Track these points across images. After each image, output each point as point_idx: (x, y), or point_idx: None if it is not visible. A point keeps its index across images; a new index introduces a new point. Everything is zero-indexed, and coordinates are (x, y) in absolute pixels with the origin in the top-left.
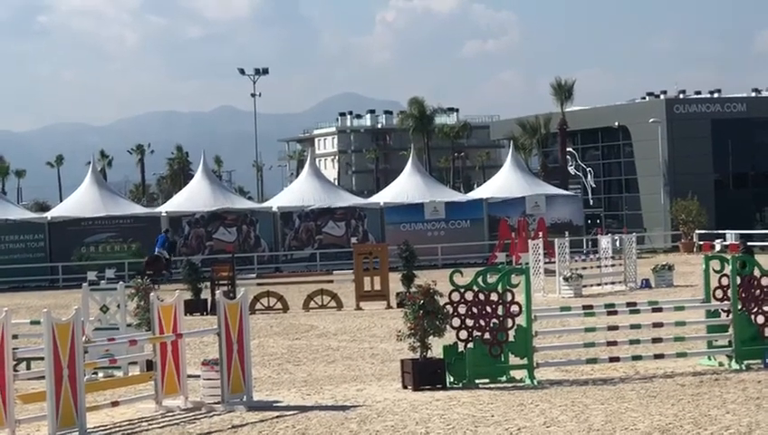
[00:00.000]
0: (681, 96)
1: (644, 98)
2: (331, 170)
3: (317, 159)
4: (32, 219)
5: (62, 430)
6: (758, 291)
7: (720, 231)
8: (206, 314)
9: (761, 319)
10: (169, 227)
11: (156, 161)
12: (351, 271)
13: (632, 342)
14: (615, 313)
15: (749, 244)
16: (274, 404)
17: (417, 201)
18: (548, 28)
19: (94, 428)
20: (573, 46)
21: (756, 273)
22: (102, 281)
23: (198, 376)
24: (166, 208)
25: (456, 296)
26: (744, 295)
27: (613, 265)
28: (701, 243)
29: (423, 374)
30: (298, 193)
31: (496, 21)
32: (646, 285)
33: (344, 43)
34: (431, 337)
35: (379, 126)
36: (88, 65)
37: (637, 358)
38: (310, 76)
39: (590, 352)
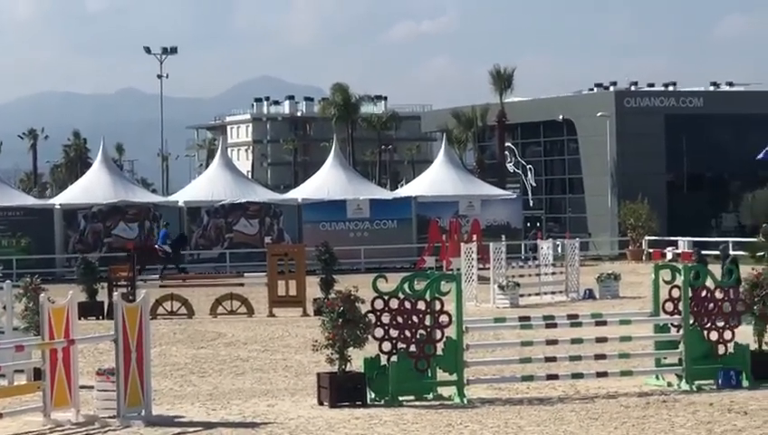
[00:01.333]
0: (632, 88)
1: (592, 89)
2: (244, 162)
3: (229, 149)
4: None
5: None
6: (712, 304)
7: (672, 238)
8: (103, 319)
9: (714, 335)
10: (168, 220)
11: (50, 147)
12: (264, 274)
13: (573, 358)
14: (554, 326)
15: (703, 253)
16: (176, 419)
17: (339, 198)
18: (488, 9)
19: None
20: (515, 30)
21: (710, 284)
22: None
23: (92, 387)
24: (60, 200)
25: (379, 304)
26: (696, 309)
27: (554, 274)
28: (651, 250)
29: (341, 390)
30: (207, 186)
31: (431, 1)
32: (589, 295)
33: (262, 21)
34: (351, 349)
35: (299, 114)
36: None
37: (577, 376)
38: (223, 57)
39: (526, 369)
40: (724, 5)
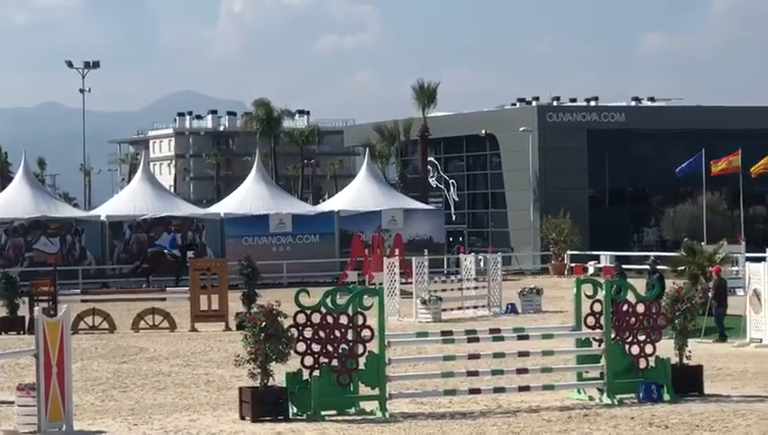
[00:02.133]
0: (555, 103)
1: (514, 104)
2: (166, 176)
3: (151, 164)
4: None
5: None
6: (633, 319)
7: (594, 252)
8: (24, 334)
9: (635, 349)
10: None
11: None
12: (187, 288)
13: (495, 372)
14: (477, 340)
15: (623, 267)
16: None
17: (262, 212)
18: (411, 24)
19: None
20: (438, 45)
21: (631, 299)
22: None
23: (12, 402)
24: None
25: (301, 318)
26: (617, 323)
27: (476, 288)
28: (573, 265)
29: (263, 404)
30: (129, 201)
31: (354, 15)
32: (511, 309)
33: (185, 35)
34: (273, 363)
35: (222, 128)
36: None
37: (499, 390)
38: (146, 71)
39: (448, 383)
40: (646, 22)
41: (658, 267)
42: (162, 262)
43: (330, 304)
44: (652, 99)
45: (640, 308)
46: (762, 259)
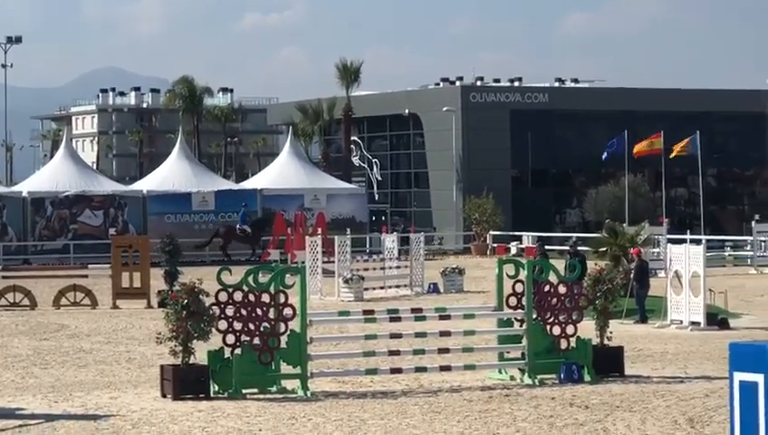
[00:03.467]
0: (479, 83)
1: (438, 84)
2: (89, 153)
3: (74, 140)
4: None
5: None
6: (555, 299)
7: (516, 233)
8: None
9: (557, 330)
10: (246, 202)
11: None
12: (109, 265)
13: (416, 352)
14: (399, 319)
15: (546, 247)
16: (17, 412)
17: (185, 190)
18: (336, 2)
19: None
20: (363, 24)
21: (553, 279)
22: None
23: None
24: None
25: (223, 296)
26: (539, 304)
27: (398, 268)
28: (495, 245)
29: (185, 382)
30: (52, 177)
31: None
32: (434, 289)
33: (108, 10)
34: (195, 341)
35: (145, 105)
36: None
37: (421, 370)
38: (69, 47)
39: (369, 362)
40: (570, 3)
41: (580, 249)
42: (233, 237)
43: (252, 283)
44: (575, 80)
45: (562, 289)
46: (683, 241)
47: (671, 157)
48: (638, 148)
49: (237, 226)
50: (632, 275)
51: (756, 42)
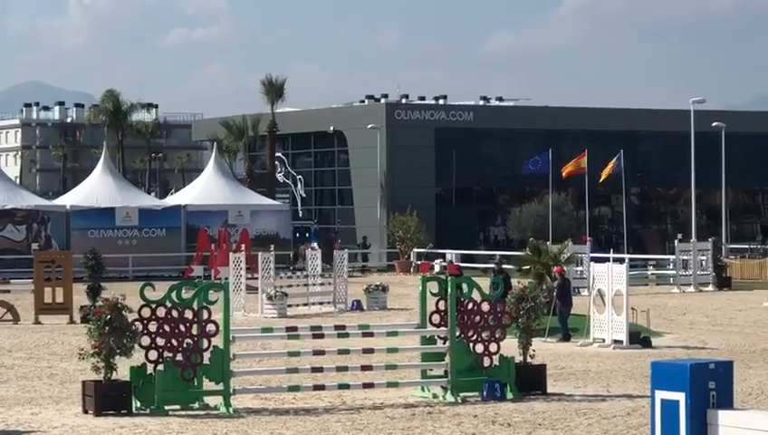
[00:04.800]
0: (404, 101)
1: (363, 101)
2: (12, 167)
3: None
4: None
5: None
6: (478, 317)
7: (440, 250)
8: None
9: (480, 348)
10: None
11: None
12: (31, 280)
13: (339, 369)
14: (322, 336)
15: (461, 265)
16: None
17: (108, 205)
18: (262, 20)
19: None
20: (289, 41)
21: (477, 297)
22: None
23: None
24: None
25: (146, 312)
26: (462, 322)
27: (322, 284)
28: (419, 262)
29: (107, 398)
30: None
31: (205, 9)
32: (357, 306)
33: (33, 24)
34: (117, 357)
35: (69, 120)
36: None
37: (344, 387)
38: None
39: (292, 379)
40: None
41: (504, 266)
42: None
43: (175, 299)
44: (500, 98)
45: (485, 307)
46: (606, 259)
47: (600, 181)
48: (566, 170)
49: (313, 244)
50: (555, 294)
51: (681, 62)
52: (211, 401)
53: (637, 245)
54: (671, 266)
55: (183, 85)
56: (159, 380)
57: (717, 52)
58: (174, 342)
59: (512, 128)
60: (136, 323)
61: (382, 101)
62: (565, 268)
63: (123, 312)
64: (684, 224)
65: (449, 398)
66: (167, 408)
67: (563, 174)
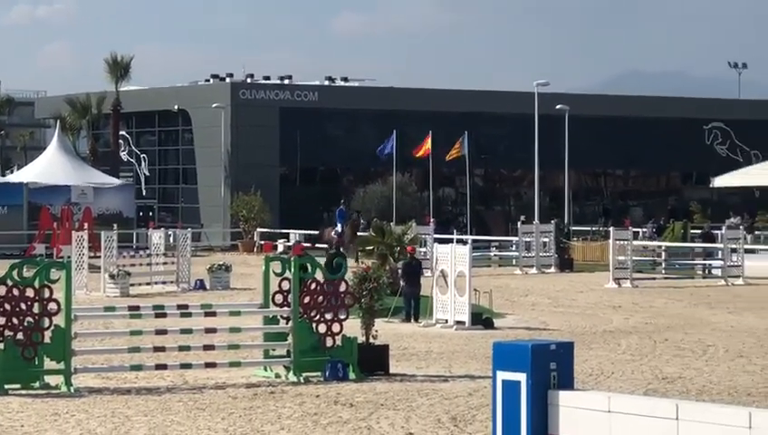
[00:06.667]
0: (249, 81)
1: (208, 80)
2: None
3: None
4: None
5: None
6: (321, 297)
7: (284, 230)
8: None
9: (323, 328)
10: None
11: None
12: None
13: (182, 348)
14: (164, 315)
15: (305, 245)
16: None
17: None
18: None
19: None
20: (133, 19)
21: (320, 277)
22: None
23: None
24: None
25: None
26: (305, 302)
27: (165, 263)
28: (262, 242)
29: None
30: None
31: None
32: (200, 286)
33: None
34: None
35: None
36: None
37: (186, 366)
38: None
39: (134, 358)
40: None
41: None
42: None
43: (16, 277)
44: (345, 79)
45: (328, 287)
46: (449, 241)
47: (447, 159)
48: (419, 153)
49: (339, 226)
50: (399, 274)
51: (526, 44)
52: (52, 380)
53: (480, 226)
54: (514, 248)
55: (26, 62)
56: (0, 359)
57: (571, 35)
58: (14, 320)
59: (356, 108)
60: None
61: (227, 80)
62: (415, 248)
63: None
64: (527, 206)
65: (292, 378)
66: (6, 387)
67: (416, 155)
